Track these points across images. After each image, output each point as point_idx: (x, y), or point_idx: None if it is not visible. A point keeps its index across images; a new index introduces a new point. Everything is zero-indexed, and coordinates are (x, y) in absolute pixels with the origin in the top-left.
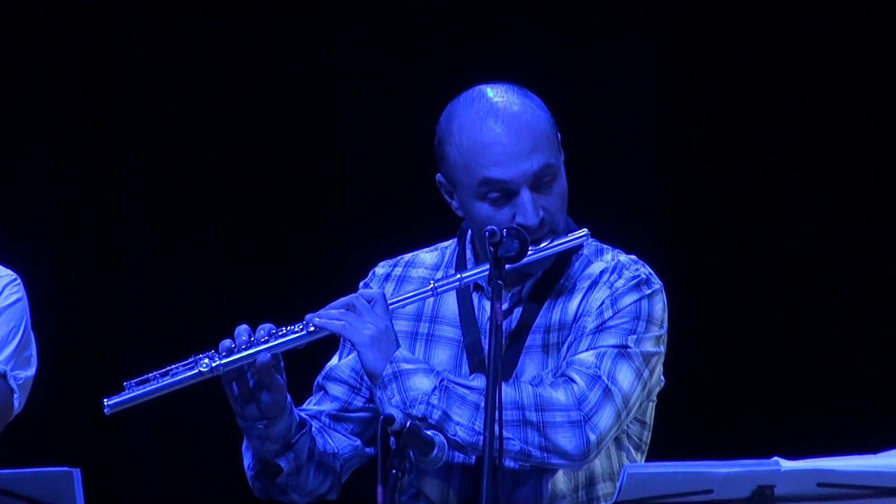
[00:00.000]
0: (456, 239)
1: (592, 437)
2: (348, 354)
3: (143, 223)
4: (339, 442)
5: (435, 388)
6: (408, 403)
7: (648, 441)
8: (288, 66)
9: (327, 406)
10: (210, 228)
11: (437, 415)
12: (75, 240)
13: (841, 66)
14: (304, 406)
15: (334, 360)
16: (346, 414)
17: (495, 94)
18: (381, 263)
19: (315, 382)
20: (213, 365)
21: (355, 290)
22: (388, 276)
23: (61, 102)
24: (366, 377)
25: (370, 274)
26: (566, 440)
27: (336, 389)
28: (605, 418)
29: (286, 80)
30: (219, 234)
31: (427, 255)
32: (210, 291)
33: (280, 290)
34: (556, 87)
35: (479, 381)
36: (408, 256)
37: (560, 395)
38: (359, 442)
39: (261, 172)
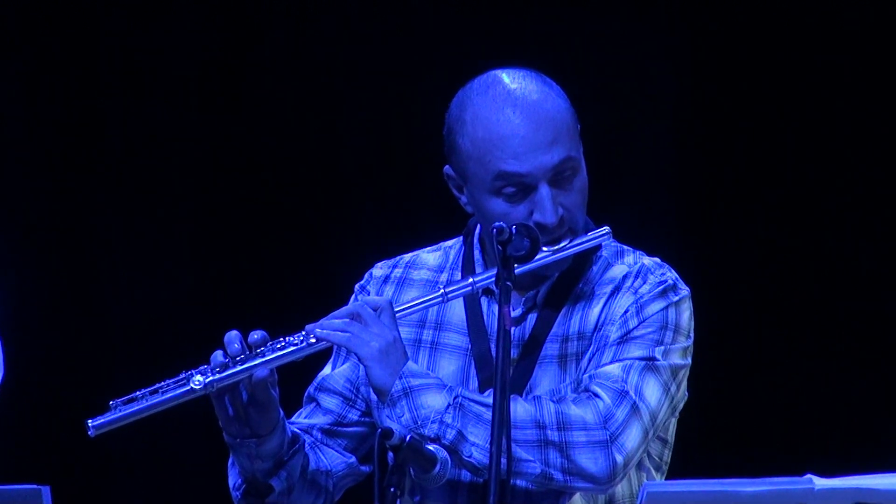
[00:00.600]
0: (461, 238)
1: (619, 458)
2: (343, 364)
3: (127, 220)
4: (332, 458)
5: (449, 405)
6: (419, 422)
7: (669, 461)
8: (280, 61)
9: (319, 420)
10: (198, 228)
11: (451, 434)
12: (52, 245)
13: (871, 60)
14: (293, 419)
15: (327, 370)
16: (339, 428)
17: (512, 80)
18: (379, 264)
19: (306, 393)
20: (207, 381)
21: (350, 292)
22: (386, 279)
23: (40, 103)
24: (363, 389)
25: (367, 276)
26: (591, 462)
27: (329, 402)
28: (632, 438)
29: (278, 76)
30: (207, 233)
31: (429, 256)
32: (198, 294)
33: (271, 292)
34: (570, 78)
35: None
36: (408, 257)
37: (584, 413)
38: (353, 458)
39: (252, 169)
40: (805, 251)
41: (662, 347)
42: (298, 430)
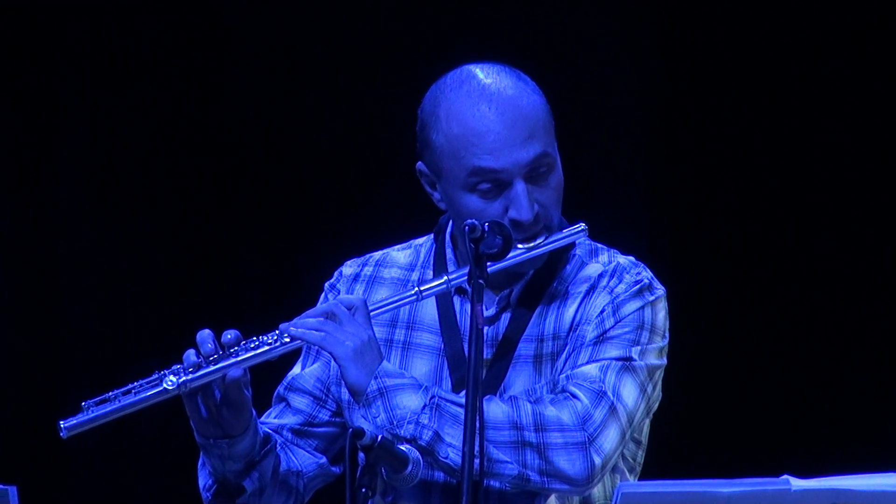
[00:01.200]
0: (432, 235)
1: (598, 460)
2: (313, 363)
3: (96, 219)
4: (303, 459)
5: (425, 406)
6: (395, 423)
7: (642, 461)
8: (250, 59)
9: (289, 420)
10: (169, 225)
11: (427, 435)
12: (21, 245)
13: (834, 63)
14: (263, 419)
15: (297, 369)
16: (310, 428)
17: (486, 75)
18: (349, 262)
19: (275, 393)
20: (180, 381)
21: (320, 290)
22: (357, 277)
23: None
24: (333, 389)
25: (336, 274)
26: (569, 463)
27: (299, 401)
28: (610, 439)
29: (249, 75)
30: (178, 231)
31: (400, 254)
32: (170, 292)
33: (241, 290)
34: (543, 76)
35: None
36: (378, 255)
37: (562, 414)
38: (324, 459)
39: (222, 167)
40: (778, 250)
41: (639, 347)
42: (269, 431)
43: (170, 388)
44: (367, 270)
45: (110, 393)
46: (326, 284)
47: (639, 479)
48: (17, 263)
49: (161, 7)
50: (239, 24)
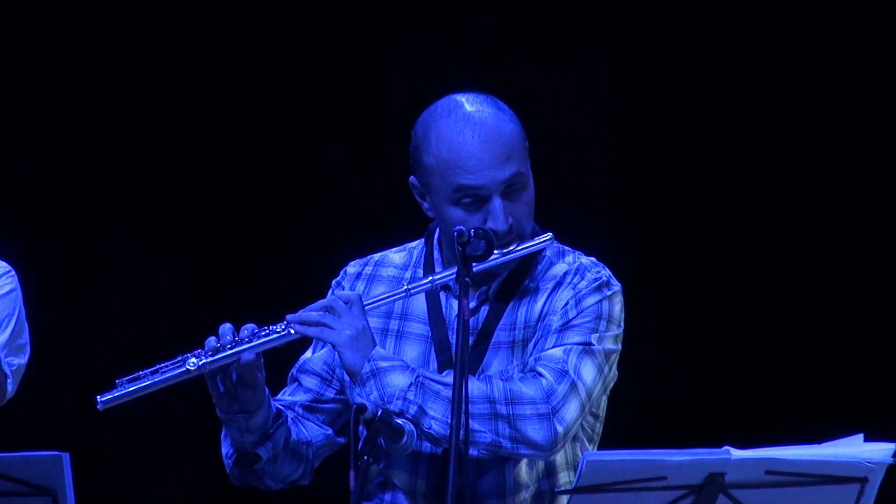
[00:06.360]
0: (423, 240)
1: (560, 428)
2: (321, 348)
3: (128, 231)
4: (312, 431)
5: (411, 384)
6: (385, 399)
7: (600, 432)
8: (269, 81)
9: (301, 397)
10: (196, 231)
11: (413, 409)
12: (66, 243)
13: (787, 79)
14: (278, 396)
15: (308, 354)
16: (318, 405)
17: (471, 105)
18: (352, 262)
19: (289, 374)
20: (200, 363)
21: (327, 287)
22: (359, 275)
23: (46, 101)
24: (338, 371)
25: (342, 272)
26: (535, 432)
27: (309, 381)
28: (571, 411)
29: (270, 93)
30: (204, 236)
31: (396, 255)
32: (194, 288)
33: (258, 287)
34: (519, 103)
35: (451, 378)
36: (377, 256)
37: (529, 389)
38: (331, 431)
39: (243, 183)
40: (715, 251)
41: (597, 334)
42: (282, 406)
43: (191, 369)
44: (368, 269)
45: (141, 372)
46: (333, 281)
47: (597, 449)
48: (73, 266)
49: (192, 25)
50: (262, 41)
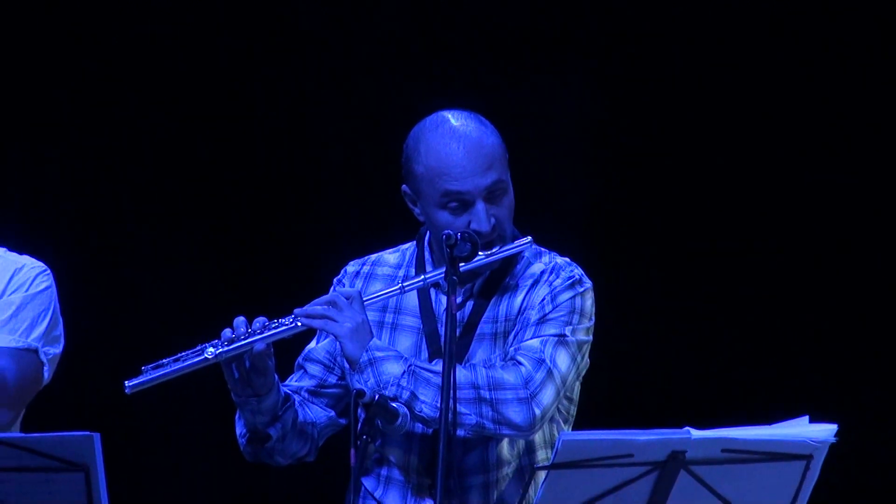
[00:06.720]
0: (415, 242)
1: (538, 411)
2: (325, 339)
3: (153, 237)
4: (317, 413)
5: (404, 372)
6: (381, 385)
7: (574, 414)
8: (279, 94)
9: (306, 383)
10: (212, 234)
11: (406, 395)
12: (99, 248)
13: (759, 83)
14: (286, 382)
15: (312, 344)
16: (322, 390)
17: (456, 120)
18: (352, 262)
19: (296, 362)
20: (217, 352)
21: (329, 284)
22: (357, 273)
23: (76, 107)
24: (339, 359)
25: (342, 271)
26: (516, 414)
27: (314, 369)
28: (547, 395)
29: (280, 105)
30: (218, 238)
31: (390, 256)
32: (211, 284)
33: (268, 284)
34: (500, 118)
35: (440, 366)
36: (374, 256)
37: (510, 376)
38: (333, 413)
39: (255, 190)
40: (672, 254)
41: (571, 327)
42: (290, 391)
43: (209, 357)
44: (366, 269)
45: (164, 360)
46: (335, 279)
47: (572, 429)
48: (98, 267)
49: (206, 41)
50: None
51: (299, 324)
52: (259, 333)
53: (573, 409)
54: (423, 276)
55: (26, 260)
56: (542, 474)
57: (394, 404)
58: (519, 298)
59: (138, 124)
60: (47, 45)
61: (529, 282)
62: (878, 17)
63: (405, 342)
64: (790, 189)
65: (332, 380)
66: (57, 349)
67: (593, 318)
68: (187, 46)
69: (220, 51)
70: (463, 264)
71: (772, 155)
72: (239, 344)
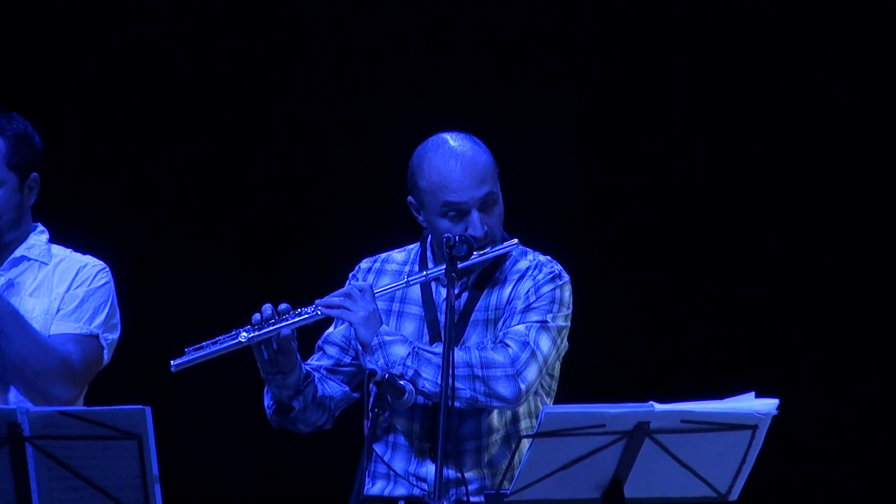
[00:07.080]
0: (419, 243)
1: (523, 386)
2: (341, 325)
3: (195, 240)
4: (334, 389)
5: (409, 353)
6: (390, 365)
7: (556, 389)
8: (300, 104)
9: (325, 362)
10: (243, 231)
11: (410, 373)
12: (146, 245)
13: (735, 88)
14: (308, 361)
15: (330, 329)
16: (338, 368)
17: (454, 141)
18: (365, 260)
19: (316, 344)
20: (250, 336)
21: (346, 278)
22: (369, 269)
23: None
24: (353, 342)
25: (357, 267)
26: (504, 389)
27: (331, 350)
28: (531, 373)
29: (302, 117)
30: (251, 240)
31: (398, 255)
32: (243, 278)
33: (290, 278)
34: (490, 133)
35: (440, 348)
36: (384, 255)
37: (499, 356)
38: (347, 388)
39: (281, 193)
40: (637, 250)
41: (552, 314)
42: (310, 369)
43: (243, 340)
44: (377, 265)
45: (204, 343)
46: (350, 274)
47: (553, 402)
48: (150, 265)
49: (216, 41)
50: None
51: (319, 312)
52: (285, 320)
53: (554, 385)
54: (425, 272)
55: (88, 259)
56: (527, 441)
57: (401, 382)
58: (507, 290)
59: (180, 135)
60: (69, 46)
61: (516, 276)
62: (879, 18)
63: (409, 328)
64: (764, 184)
65: (347, 360)
66: (114, 335)
67: (571, 307)
68: (216, 48)
69: (242, 56)
70: (460, 263)
71: (739, 157)
72: (268, 329)
